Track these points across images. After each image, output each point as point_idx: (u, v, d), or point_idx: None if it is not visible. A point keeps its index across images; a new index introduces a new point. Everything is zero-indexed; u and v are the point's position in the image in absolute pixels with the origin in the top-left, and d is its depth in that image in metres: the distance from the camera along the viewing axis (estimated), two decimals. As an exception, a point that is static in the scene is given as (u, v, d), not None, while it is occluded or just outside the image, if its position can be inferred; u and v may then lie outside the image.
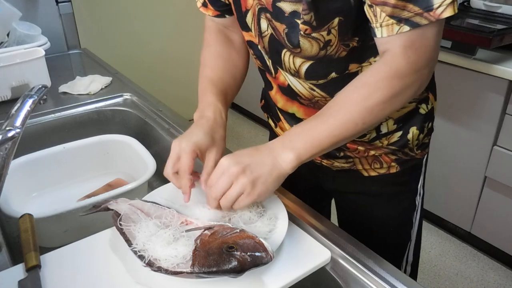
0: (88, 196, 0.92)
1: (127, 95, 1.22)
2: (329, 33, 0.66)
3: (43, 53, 1.19)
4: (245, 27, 0.78)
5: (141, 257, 0.59)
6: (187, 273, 0.55)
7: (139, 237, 0.61)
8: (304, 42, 0.68)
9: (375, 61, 0.70)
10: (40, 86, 0.72)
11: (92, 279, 0.60)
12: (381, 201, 0.89)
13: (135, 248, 0.60)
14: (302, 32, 0.67)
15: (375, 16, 0.60)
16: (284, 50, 0.72)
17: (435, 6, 0.57)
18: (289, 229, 0.65)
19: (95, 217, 0.73)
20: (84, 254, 0.65)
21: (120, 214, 0.66)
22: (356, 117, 0.63)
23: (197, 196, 0.69)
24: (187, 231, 0.62)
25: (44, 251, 0.65)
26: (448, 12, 0.57)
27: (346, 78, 0.70)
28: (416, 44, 0.60)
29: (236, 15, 0.78)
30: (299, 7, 0.64)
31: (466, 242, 2.01)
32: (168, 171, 0.68)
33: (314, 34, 0.66)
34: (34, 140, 1.05)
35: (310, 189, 0.95)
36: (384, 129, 0.79)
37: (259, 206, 0.69)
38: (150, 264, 0.57)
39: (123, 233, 0.63)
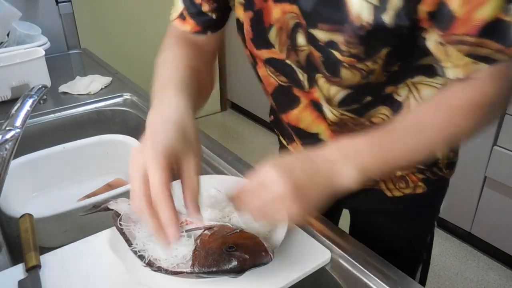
0: (88, 196, 0.92)
1: (127, 95, 1.22)
2: (374, 62, 0.59)
3: (43, 53, 1.19)
4: (264, 45, 0.68)
5: (141, 257, 0.59)
6: (187, 273, 0.55)
7: (139, 237, 0.61)
8: (346, 73, 0.61)
9: (412, 82, 0.65)
10: (40, 86, 0.72)
11: (92, 279, 0.60)
12: (400, 222, 0.83)
13: (135, 248, 0.60)
14: (345, 64, 0.59)
15: (448, 55, 0.54)
16: (319, 75, 0.65)
17: None
18: (289, 229, 0.65)
19: (95, 217, 0.73)
20: (84, 254, 0.65)
21: (120, 214, 0.66)
22: (439, 143, 0.56)
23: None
24: (187, 231, 0.62)
25: (44, 251, 0.65)
26: None
27: (379, 100, 0.67)
28: (503, 73, 0.54)
29: (251, 33, 0.68)
30: (338, 38, 0.56)
31: (466, 242, 2.01)
32: (137, 204, 0.48)
33: (358, 65, 0.60)
34: (34, 140, 1.05)
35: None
36: None
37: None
38: (150, 264, 0.57)
39: (123, 233, 0.63)
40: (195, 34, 0.71)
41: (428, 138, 0.55)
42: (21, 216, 0.71)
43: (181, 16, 0.71)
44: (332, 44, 0.57)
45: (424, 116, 0.56)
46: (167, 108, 0.55)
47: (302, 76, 0.69)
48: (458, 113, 0.54)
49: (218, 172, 0.88)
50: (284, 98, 0.75)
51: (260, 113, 3.03)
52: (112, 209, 0.68)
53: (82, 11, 2.34)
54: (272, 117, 0.90)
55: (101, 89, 1.25)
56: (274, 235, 0.63)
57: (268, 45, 0.68)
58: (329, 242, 0.68)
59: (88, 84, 1.24)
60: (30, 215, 0.71)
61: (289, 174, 0.49)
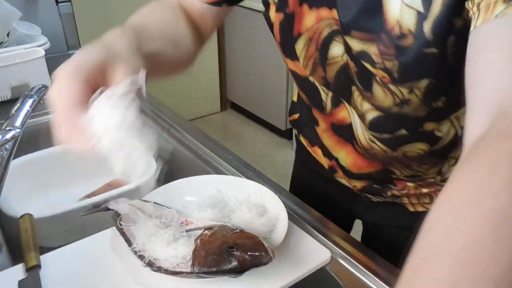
0: (88, 196, 0.92)
1: (127, 95, 1.22)
2: (411, 91, 0.54)
3: (43, 53, 1.19)
4: (291, 55, 0.64)
5: (141, 257, 0.59)
6: (187, 273, 0.55)
7: (139, 237, 0.61)
8: (378, 90, 0.56)
9: (456, 116, 0.58)
10: (40, 86, 0.72)
11: (92, 279, 0.60)
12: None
13: (135, 248, 0.60)
14: (378, 78, 0.55)
15: (488, 8, 0.40)
16: (354, 87, 0.61)
17: None
18: (289, 229, 0.65)
19: (95, 217, 0.73)
20: (84, 254, 0.65)
21: (120, 214, 0.66)
22: None
23: (196, 196, 0.69)
24: (187, 231, 0.62)
25: (44, 251, 0.65)
26: None
27: (416, 135, 0.62)
28: None
29: (280, 38, 0.64)
30: (371, 48, 0.52)
31: (466, 242, 2.00)
32: (60, 133, 0.44)
33: (391, 86, 0.54)
34: (34, 140, 1.05)
35: (338, 214, 0.81)
36: (445, 170, 0.68)
37: (259, 206, 0.69)
38: (150, 264, 0.58)
39: (123, 233, 0.63)
40: (211, 4, 0.66)
41: None
42: (21, 216, 0.71)
43: None
44: (364, 55, 0.54)
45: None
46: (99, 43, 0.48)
47: (326, 96, 0.65)
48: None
49: (218, 172, 0.88)
50: (308, 115, 0.72)
51: (260, 113, 3.03)
52: (112, 209, 0.68)
53: (82, 11, 2.34)
54: (294, 116, 0.85)
55: (101, 89, 1.25)
56: (274, 235, 0.63)
57: (293, 57, 0.64)
58: (329, 242, 0.68)
59: (88, 84, 1.24)
60: (30, 215, 0.71)
61: None
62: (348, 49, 0.56)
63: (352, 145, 0.68)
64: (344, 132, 0.68)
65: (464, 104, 0.47)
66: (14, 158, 0.69)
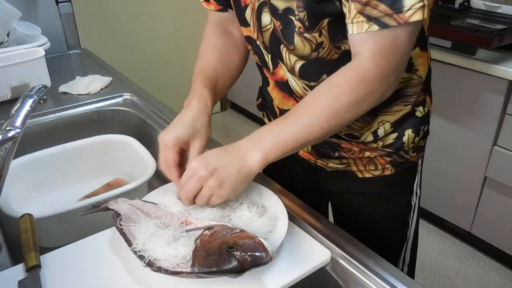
0: (88, 196, 0.92)
1: (127, 95, 1.22)
2: (320, 34, 0.67)
3: (43, 53, 1.19)
4: (244, 22, 0.79)
5: (141, 257, 0.59)
6: (187, 273, 0.55)
7: (139, 237, 0.61)
8: (298, 41, 0.69)
9: None
10: (40, 86, 0.72)
11: (92, 279, 0.60)
12: (376, 202, 0.89)
13: (135, 248, 0.60)
14: (297, 29, 0.68)
15: (349, 12, 0.60)
16: (282, 46, 0.74)
17: (404, 9, 0.57)
18: (289, 229, 0.65)
19: (95, 217, 0.73)
20: (84, 254, 0.65)
21: (120, 214, 0.66)
22: (322, 120, 0.63)
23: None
24: (187, 231, 0.62)
25: (44, 251, 0.65)
26: (417, 16, 0.57)
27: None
28: (385, 49, 0.60)
29: (235, 10, 0.80)
30: (293, 4, 0.66)
31: (466, 242, 2.01)
32: (160, 165, 0.72)
33: (306, 35, 0.68)
34: (34, 140, 1.05)
35: (307, 190, 0.95)
36: (381, 133, 0.79)
37: (259, 206, 0.69)
38: (150, 264, 0.57)
39: (123, 233, 0.63)
40: (219, 11, 0.85)
41: (314, 117, 0.63)
42: (21, 216, 0.71)
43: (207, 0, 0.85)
44: (288, 10, 0.67)
45: (312, 98, 0.65)
46: (192, 100, 0.74)
47: (267, 58, 0.79)
48: (338, 91, 0.62)
49: (218, 172, 0.87)
50: (262, 75, 0.87)
51: (260, 113, 3.03)
52: (112, 209, 0.68)
53: (82, 11, 2.34)
54: (260, 100, 0.99)
55: (101, 89, 1.25)
56: (274, 235, 0.63)
57: (246, 24, 0.78)
58: (329, 242, 0.68)
59: (88, 84, 1.24)
60: (30, 215, 0.71)
61: (206, 162, 0.64)
62: (274, 10, 0.69)
63: (294, 99, 0.81)
64: (284, 88, 0.81)
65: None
66: (14, 158, 0.69)
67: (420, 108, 0.79)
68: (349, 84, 0.62)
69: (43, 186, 0.97)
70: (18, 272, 0.61)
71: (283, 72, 0.79)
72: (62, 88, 1.24)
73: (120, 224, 0.64)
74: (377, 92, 0.63)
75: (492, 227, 1.83)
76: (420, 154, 0.85)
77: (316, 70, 0.73)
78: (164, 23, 2.68)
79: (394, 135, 0.79)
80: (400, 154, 0.81)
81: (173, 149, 0.70)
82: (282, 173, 0.89)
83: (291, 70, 0.76)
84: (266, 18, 0.73)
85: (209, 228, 0.60)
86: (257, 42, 0.79)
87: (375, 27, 0.59)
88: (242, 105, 3.21)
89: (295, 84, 0.78)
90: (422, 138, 0.82)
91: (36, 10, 1.52)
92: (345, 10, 0.61)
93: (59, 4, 1.57)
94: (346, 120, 0.64)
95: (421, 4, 0.57)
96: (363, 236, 0.70)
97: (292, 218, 0.71)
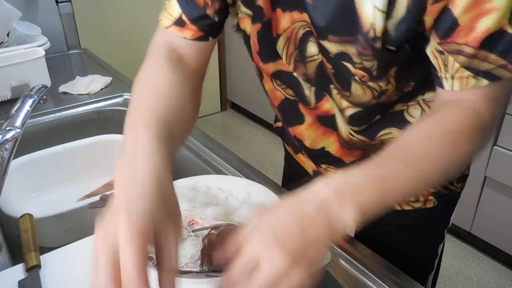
0: (88, 196, 0.92)
1: (127, 95, 1.22)
2: (387, 83, 0.59)
3: (43, 53, 1.19)
4: (271, 56, 0.66)
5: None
6: (197, 272, 0.55)
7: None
8: (356, 88, 0.60)
9: (423, 99, 0.64)
10: (40, 86, 0.72)
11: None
12: (408, 234, 0.80)
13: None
14: (357, 78, 0.58)
15: (446, 65, 0.51)
16: (332, 86, 0.64)
17: None
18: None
19: (95, 217, 0.73)
20: (84, 254, 0.65)
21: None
22: (441, 172, 0.51)
23: (197, 196, 0.69)
24: (194, 231, 0.62)
25: (44, 251, 0.65)
26: None
27: (388, 118, 0.66)
28: (497, 96, 0.52)
29: (257, 46, 0.65)
30: (349, 49, 0.55)
31: (466, 242, 2.00)
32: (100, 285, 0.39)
33: (370, 83, 0.58)
34: (34, 140, 1.05)
35: None
36: None
37: (260, 206, 0.68)
38: (156, 264, 0.57)
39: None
40: (196, 40, 0.64)
41: (433, 168, 0.50)
42: (21, 216, 0.71)
43: (179, 23, 0.63)
44: (344, 55, 0.56)
45: (422, 144, 0.50)
46: (141, 162, 0.43)
47: (309, 91, 0.67)
48: (456, 139, 0.51)
49: (218, 172, 0.87)
50: (290, 112, 0.73)
51: (260, 113, 3.03)
52: None
53: (82, 11, 2.34)
54: (278, 123, 0.87)
55: (101, 89, 1.25)
56: None
57: (276, 57, 0.66)
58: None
59: (88, 84, 1.24)
60: (30, 215, 0.71)
61: (282, 242, 0.39)
62: (324, 52, 0.58)
63: (337, 135, 0.71)
64: (329, 122, 0.70)
65: (430, 89, 0.62)
66: (14, 158, 0.69)
67: None
68: (467, 132, 0.51)
69: (43, 186, 0.97)
70: (18, 272, 0.61)
71: (329, 105, 0.67)
72: (62, 88, 1.24)
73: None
74: (490, 139, 0.57)
75: (492, 227, 1.83)
76: (464, 184, 0.78)
77: (369, 114, 0.65)
78: (164, 23, 2.68)
79: None
80: (445, 185, 0.74)
81: (144, 245, 0.38)
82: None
83: (341, 111, 0.66)
84: (312, 48, 0.61)
85: (215, 227, 0.60)
86: (294, 74, 0.66)
87: (485, 82, 0.50)
88: (242, 105, 3.21)
89: (342, 125, 0.68)
90: (468, 167, 0.77)
91: (36, 10, 1.52)
92: (436, 62, 0.52)
93: (59, 4, 1.57)
94: (461, 170, 0.57)
95: None
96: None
97: (292, 218, 0.71)
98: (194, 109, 0.62)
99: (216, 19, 0.64)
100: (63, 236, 0.79)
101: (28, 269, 0.61)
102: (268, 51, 0.66)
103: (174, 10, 0.63)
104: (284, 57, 0.65)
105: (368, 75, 0.57)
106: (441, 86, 0.53)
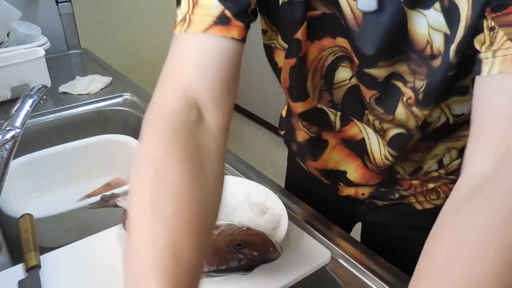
0: (88, 196, 0.92)
1: (127, 95, 1.22)
2: (430, 115, 0.57)
3: (43, 53, 1.19)
4: (301, 96, 0.64)
5: None
6: None
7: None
8: (400, 112, 0.56)
9: (446, 104, 0.58)
10: (40, 86, 0.72)
11: (92, 279, 0.60)
12: (422, 234, 0.76)
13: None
14: (404, 99, 0.55)
15: (492, 43, 0.43)
16: (366, 111, 0.61)
17: None
18: (289, 229, 0.65)
19: (95, 217, 0.73)
20: (84, 254, 0.65)
21: (126, 212, 0.66)
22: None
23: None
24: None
25: (44, 251, 0.65)
26: None
27: (426, 139, 0.63)
28: None
29: (287, 82, 0.61)
30: (400, 68, 0.53)
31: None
32: None
33: (414, 108, 0.55)
34: (34, 140, 1.05)
35: (338, 215, 0.78)
36: (447, 161, 0.68)
37: (260, 205, 0.69)
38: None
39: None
40: (239, 41, 0.52)
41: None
42: (21, 216, 0.71)
43: (223, 20, 0.50)
44: (394, 75, 0.54)
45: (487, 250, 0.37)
46: None
47: (334, 116, 0.65)
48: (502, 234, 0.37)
49: (218, 172, 0.87)
50: (311, 148, 0.72)
51: (260, 113, 3.03)
52: (121, 206, 0.67)
53: (82, 11, 2.34)
54: (284, 132, 0.83)
55: (101, 89, 1.25)
56: (277, 233, 0.63)
57: (305, 96, 0.63)
58: (329, 242, 0.68)
59: (88, 84, 1.24)
60: (30, 215, 0.71)
61: None
62: (369, 79, 0.55)
63: (362, 160, 0.67)
64: (356, 146, 0.67)
65: (453, 93, 0.56)
66: (14, 158, 0.69)
67: None
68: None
69: (43, 186, 0.97)
70: (18, 272, 0.61)
71: (357, 129, 0.65)
72: (62, 88, 1.24)
73: (126, 223, 0.64)
74: None
75: None
76: None
77: (410, 139, 0.61)
78: (165, 22, 2.68)
79: (458, 160, 0.69)
80: None
81: None
82: (306, 196, 0.78)
83: (381, 132, 0.63)
84: (343, 73, 0.58)
85: (215, 227, 0.60)
86: (318, 105, 0.64)
87: None
88: (242, 105, 3.21)
89: (376, 148, 0.64)
90: None
91: (36, 10, 1.52)
92: (484, 39, 0.44)
93: (59, 4, 1.57)
94: None
95: None
96: (404, 270, 0.62)
97: (292, 218, 0.71)
98: (217, 199, 0.46)
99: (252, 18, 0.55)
100: (63, 236, 0.79)
101: (28, 269, 0.61)
102: (301, 89, 0.62)
103: (212, 7, 0.51)
104: (311, 93, 0.62)
105: (414, 97, 0.54)
106: (479, 72, 0.43)
